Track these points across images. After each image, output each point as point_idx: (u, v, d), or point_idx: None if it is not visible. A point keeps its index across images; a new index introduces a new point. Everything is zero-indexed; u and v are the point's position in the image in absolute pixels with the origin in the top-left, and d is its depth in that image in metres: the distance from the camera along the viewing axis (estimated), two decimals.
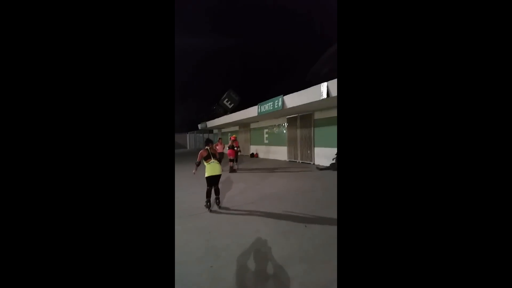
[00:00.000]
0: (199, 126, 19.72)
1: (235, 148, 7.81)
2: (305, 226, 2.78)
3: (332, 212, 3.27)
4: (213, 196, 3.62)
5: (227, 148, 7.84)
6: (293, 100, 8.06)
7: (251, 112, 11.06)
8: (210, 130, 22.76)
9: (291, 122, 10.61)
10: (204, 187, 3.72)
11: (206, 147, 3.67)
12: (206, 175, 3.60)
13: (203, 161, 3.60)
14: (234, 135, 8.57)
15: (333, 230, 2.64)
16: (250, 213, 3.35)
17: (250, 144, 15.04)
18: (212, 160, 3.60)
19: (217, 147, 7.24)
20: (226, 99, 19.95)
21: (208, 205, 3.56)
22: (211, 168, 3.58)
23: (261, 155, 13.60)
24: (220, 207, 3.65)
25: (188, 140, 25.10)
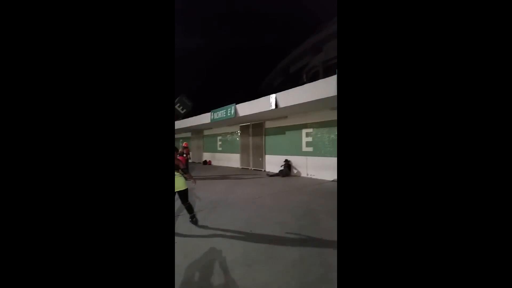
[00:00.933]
0: None
1: (185, 155, 7.58)
2: (250, 231, 2.92)
3: (277, 216, 3.51)
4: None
5: (177, 155, 7.53)
6: (244, 109, 8.33)
7: (204, 118, 10.93)
8: None
9: (244, 130, 10.88)
10: None
11: None
12: None
13: None
14: (186, 142, 8.31)
15: (276, 233, 2.85)
16: (199, 221, 3.33)
17: (203, 151, 14.72)
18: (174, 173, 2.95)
19: None
20: (178, 104, 19.14)
21: None
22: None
23: (214, 163, 13.44)
24: (198, 226, 3.09)
25: None
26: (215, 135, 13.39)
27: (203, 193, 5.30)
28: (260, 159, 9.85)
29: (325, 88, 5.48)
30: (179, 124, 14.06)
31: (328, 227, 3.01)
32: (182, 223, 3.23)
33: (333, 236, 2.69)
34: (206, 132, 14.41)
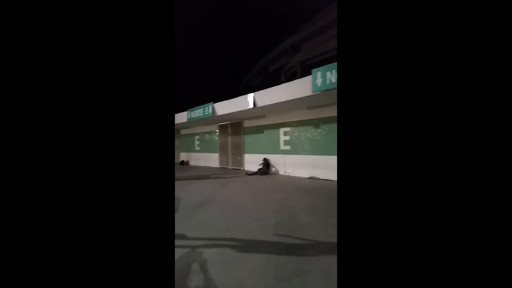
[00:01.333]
0: None
1: None
2: (228, 229, 2.91)
3: (255, 213, 3.55)
4: None
5: None
6: (223, 107, 8.26)
7: (181, 117, 10.64)
8: None
9: (223, 129, 10.78)
10: None
11: None
12: None
13: None
14: None
15: (254, 230, 2.88)
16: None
17: (180, 151, 14.33)
18: None
19: None
20: None
21: None
22: None
23: (192, 163, 13.14)
24: None
25: None
26: (193, 135, 13.09)
27: (181, 193, 5.17)
28: (239, 158, 9.84)
29: (301, 88, 5.63)
30: None
31: (304, 223, 3.10)
32: None
33: (309, 232, 2.78)
34: (183, 132, 14.03)
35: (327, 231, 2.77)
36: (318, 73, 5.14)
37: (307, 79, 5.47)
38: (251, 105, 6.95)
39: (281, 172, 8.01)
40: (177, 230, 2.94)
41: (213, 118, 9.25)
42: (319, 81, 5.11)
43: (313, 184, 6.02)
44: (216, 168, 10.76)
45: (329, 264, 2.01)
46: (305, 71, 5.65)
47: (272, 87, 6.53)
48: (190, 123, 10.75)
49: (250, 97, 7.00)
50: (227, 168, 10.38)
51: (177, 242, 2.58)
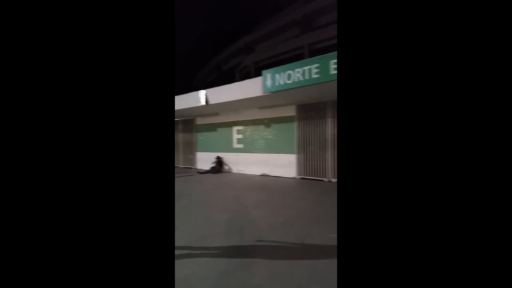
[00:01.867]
0: None
1: None
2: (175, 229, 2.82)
3: (203, 211, 3.51)
4: None
5: None
6: None
7: None
8: None
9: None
10: None
11: None
12: None
13: None
14: None
15: (201, 228, 2.85)
16: None
17: None
18: None
19: None
20: None
21: None
22: None
23: None
24: None
25: None
26: None
27: None
28: (191, 156, 9.53)
29: (252, 87, 5.78)
30: None
31: (253, 218, 3.23)
32: None
33: (257, 226, 2.91)
34: None
35: (273, 225, 2.95)
36: (268, 74, 5.37)
37: (258, 80, 5.66)
38: (203, 102, 6.81)
39: (234, 170, 8.09)
40: None
41: None
42: (268, 82, 5.35)
43: (264, 181, 6.27)
44: None
45: (272, 256, 2.16)
46: (258, 72, 5.83)
47: (225, 85, 6.53)
48: None
49: (202, 93, 6.84)
50: (177, 166, 9.92)
51: None
